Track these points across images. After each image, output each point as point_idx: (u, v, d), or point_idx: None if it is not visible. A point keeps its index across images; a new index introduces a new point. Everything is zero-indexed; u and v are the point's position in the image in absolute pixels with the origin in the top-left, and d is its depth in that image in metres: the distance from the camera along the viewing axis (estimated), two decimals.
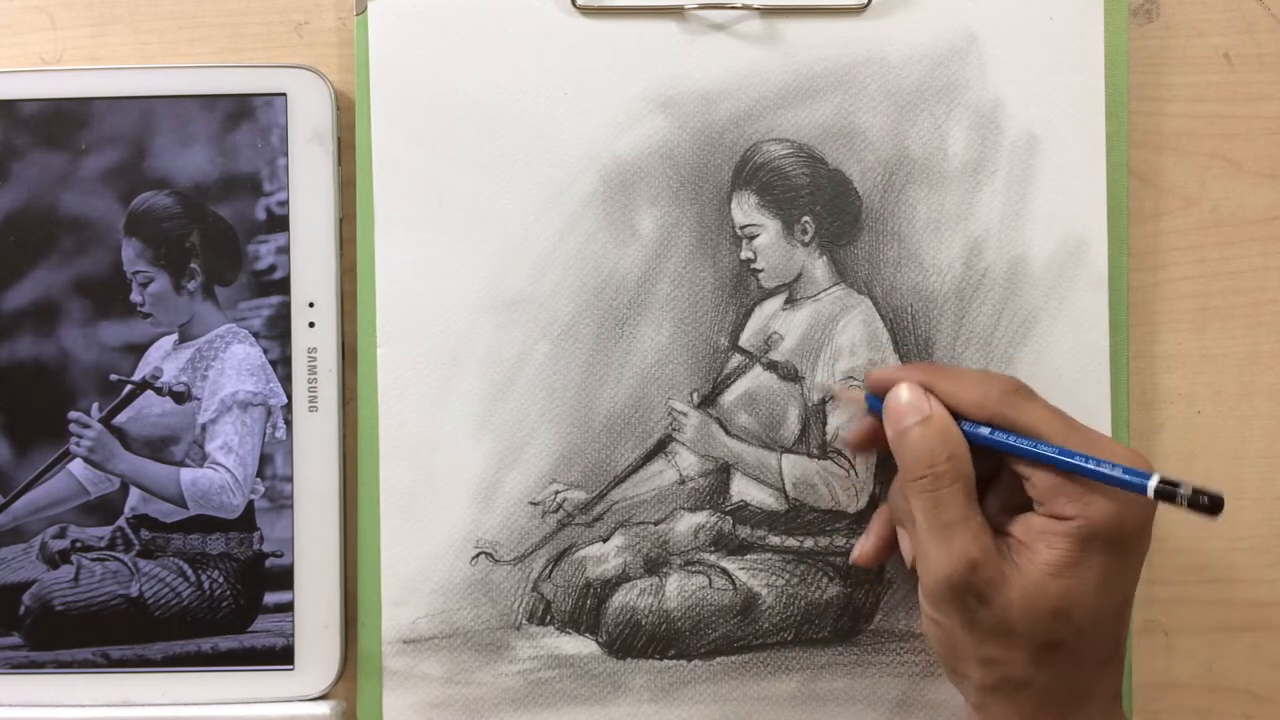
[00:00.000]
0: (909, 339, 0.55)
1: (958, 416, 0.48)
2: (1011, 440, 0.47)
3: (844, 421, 0.54)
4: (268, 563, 0.54)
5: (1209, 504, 0.43)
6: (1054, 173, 0.55)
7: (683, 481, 0.55)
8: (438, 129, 0.54)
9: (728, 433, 0.55)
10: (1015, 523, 0.47)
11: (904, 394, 0.48)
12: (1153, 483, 0.44)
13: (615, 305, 0.55)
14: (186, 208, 0.54)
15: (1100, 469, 0.45)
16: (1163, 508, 0.45)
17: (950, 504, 0.46)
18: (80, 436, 0.54)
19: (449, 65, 0.55)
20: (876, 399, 0.50)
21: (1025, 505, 0.47)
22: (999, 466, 0.49)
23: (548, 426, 0.55)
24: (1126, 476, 0.44)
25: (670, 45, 0.55)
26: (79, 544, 0.54)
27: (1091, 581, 0.45)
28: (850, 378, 0.54)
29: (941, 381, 0.48)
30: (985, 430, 0.47)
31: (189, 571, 0.54)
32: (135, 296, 0.55)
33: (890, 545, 0.51)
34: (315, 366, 0.54)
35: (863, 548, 0.52)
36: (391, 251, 0.54)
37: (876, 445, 0.51)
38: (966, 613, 0.46)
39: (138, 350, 0.55)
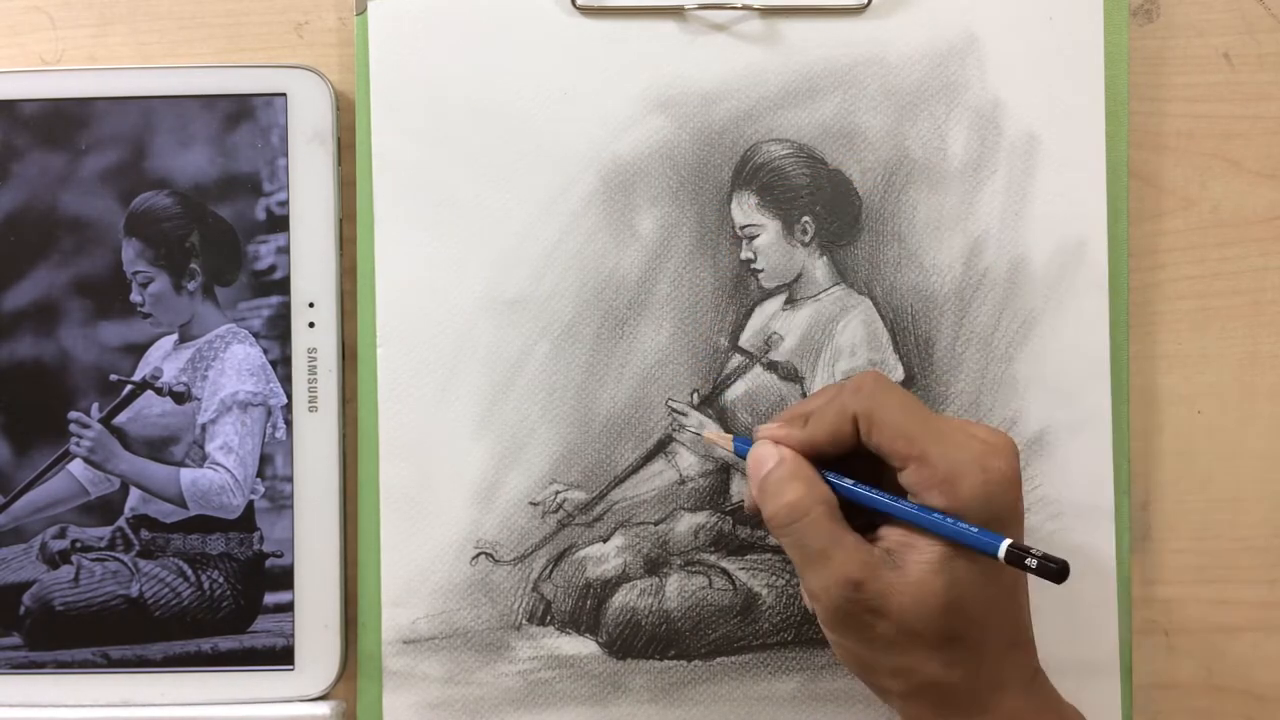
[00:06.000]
0: (909, 339, 0.55)
1: (827, 459, 0.48)
2: (872, 499, 0.47)
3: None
4: (268, 563, 0.54)
5: (1055, 570, 0.44)
6: (1054, 173, 0.55)
7: (683, 481, 0.55)
8: (438, 129, 0.54)
9: (728, 433, 0.55)
10: (898, 521, 0.47)
11: (756, 449, 0.49)
12: (1003, 550, 0.44)
13: (615, 305, 0.55)
14: (186, 208, 0.54)
15: (956, 530, 0.45)
16: None
17: (814, 532, 0.46)
18: (80, 436, 0.54)
19: (449, 65, 0.55)
20: (744, 442, 0.51)
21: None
22: (879, 471, 0.48)
23: (548, 426, 0.55)
24: (980, 540, 0.45)
25: (670, 45, 0.55)
26: (79, 544, 0.54)
27: (975, 570, 0.45)
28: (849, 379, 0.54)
29: (811, 429, 0.48)
30: (847, 483, 0.48)
31: (189, 572, 0.54)
32: (135, 296, 0.55)
33: None
34: (315, 367, 0.54)
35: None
36: (391, 251, 0.54)
37: None
38: (865, 630, 0.46)
39: (138, 350, 0.55)
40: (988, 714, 0.46)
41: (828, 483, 0.48)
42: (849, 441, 0.48)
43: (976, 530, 0.45)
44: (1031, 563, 0.44)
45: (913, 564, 0.45)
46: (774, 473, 0.48)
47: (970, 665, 0.46)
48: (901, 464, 0.46)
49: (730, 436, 0.52)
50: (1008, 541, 0.44)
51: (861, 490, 0.47)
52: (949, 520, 0.45)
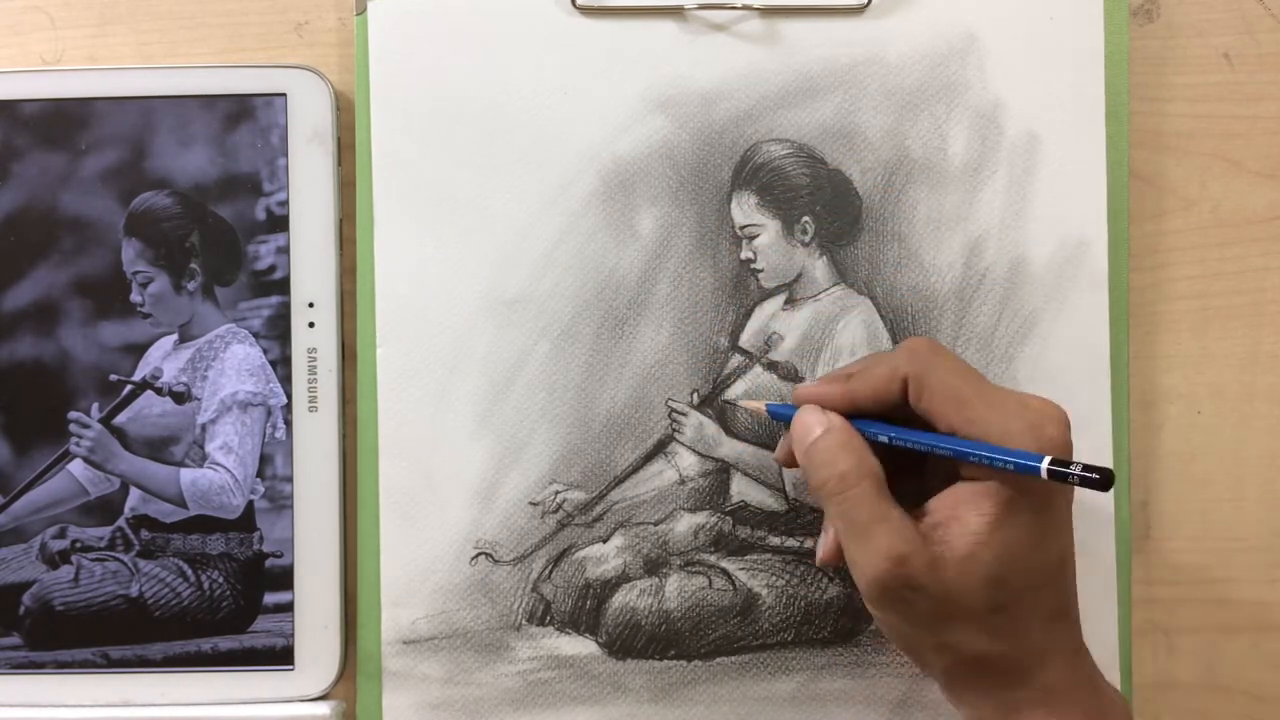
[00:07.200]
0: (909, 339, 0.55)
1: (866, 418, 0.48)
2: (912, 438, 0.47)
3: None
4: (268, 563, 0.54)
5: (1098, 479, 0.43)
6: (1054, 173, 0.55)
7: (683, 482, 0.55)
8: (438, 129, 0.54)
9: (728, 433, 0.55)
10: (944, 495, 0.47)
11: (803, 414, 0.48)
12: (1044, 466, 0.43)
13: (615, 305, 0.55)
14: (186, 208, 0.54)
15: (995, 457, 0.44)
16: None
17: (861, 505, 0.46)
18: (80, 436, 0.54)
19: (449, 65, 0.55)
20: (779, 408, 0.51)
21: (955, 476, 0.47)
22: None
23: (548, 426, 0.55)
24: (1020, 462, 0.44)
25: (670, 45, 0.55)
26: (79, 544, 0.54)
27: (1022, 540, 0.45)
28: None
29: (853, 384, 0.48)
30: (885, 436, 0.47)
31: (189, 572, 0.54)
32: (135, 296, 0.55)
33: None
34: (315, 366, 0.54)
35: (825, 548, 0.50)
36: (391, 251, 0.54)
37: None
38: (906, 605, 0.45)
39: (138, 350, 0.55)
40: (1028, 687, 0.46)
41: (866, 433, 0.47)
42: (891, 402, 0.48)
43: (1018, 452, 0.44)
44: (1074, 477, 0.43)
45: (957, 537, 0.45)
46: (822, 440, 0.47)
47: (1014, 637, 0.46)
48: (952, 428, 0.46)
49: (763, 402, 0.52)
50: (1048, 458, 0.44)
51: (905, 434, 0.47)
52: (992, 447, 0.45)
